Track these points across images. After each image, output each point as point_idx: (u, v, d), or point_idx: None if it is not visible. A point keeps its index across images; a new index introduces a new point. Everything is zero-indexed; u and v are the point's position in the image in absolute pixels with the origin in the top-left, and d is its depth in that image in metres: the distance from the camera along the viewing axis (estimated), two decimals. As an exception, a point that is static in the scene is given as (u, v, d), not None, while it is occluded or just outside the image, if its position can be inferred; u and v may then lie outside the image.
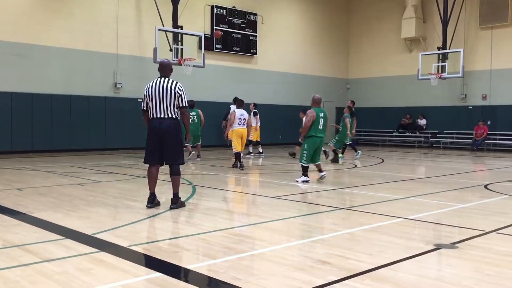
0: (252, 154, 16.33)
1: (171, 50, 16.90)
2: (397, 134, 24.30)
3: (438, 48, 21.39)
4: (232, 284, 3.58)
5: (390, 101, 24.73)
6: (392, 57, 24.67)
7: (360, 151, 15.92)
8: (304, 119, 15.29)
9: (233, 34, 20.92)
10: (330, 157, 14.62)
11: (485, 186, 9.39)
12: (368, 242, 4.90)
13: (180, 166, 6.72)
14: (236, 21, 21.05)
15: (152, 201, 6.69)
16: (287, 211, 6.77)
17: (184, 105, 6.61)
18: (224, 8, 20.63)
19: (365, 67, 25.82)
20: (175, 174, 6.64)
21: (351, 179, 10.79)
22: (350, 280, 3.70)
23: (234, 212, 7.09)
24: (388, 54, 24.79)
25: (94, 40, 17.00)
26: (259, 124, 16.50)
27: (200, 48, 18.39)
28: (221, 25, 20.48)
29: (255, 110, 16.38)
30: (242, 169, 11.94)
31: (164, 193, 7.82)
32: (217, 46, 20.29)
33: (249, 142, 14.13)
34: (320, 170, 9.81)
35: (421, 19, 23.31)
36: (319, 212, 6.77)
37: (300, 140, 15.28)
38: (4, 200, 7.21)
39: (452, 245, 4.76)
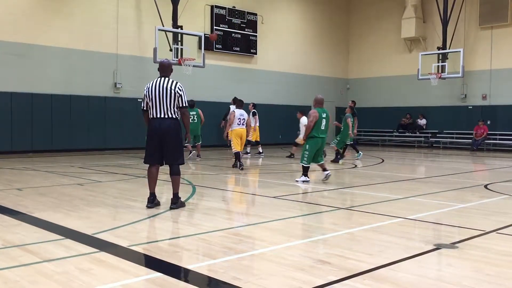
0: (249, 154, 16.34)
1: (171, 50, 16.90)
2: (397, 134, 24.30)
3: (438, 48, 21.39)
4: (232, 284, 3.58)
5: (390, 101, 24.73)
6: (392, 57, 24.67)
7: (361, 152, 15.88)
8: (301, 119, 15.42)
9: (233, 34, 20.91)
10: (339, 159, 14.49)
11: (485, 186, 9.39)
12: (368, 242, 4.90)
13: (180, 166, 6.73)
14: (236, 21, 21.04)
15: (152, 201, 6.69)
16: (287, 211, 6.77)
17: (184, 105, 6.61)
18: (224, 8, 20.63)
19: (365, 67, 25.82)
20: (175, 174, 6.64)
21: (351, 179, 10.79)
22: (350, 280, 3.70)
23: (234, 212, 7.10)
24: (388, 54, 24.79)
25: (94, 40, 17.00)
26: (257, 124, 16.52)
27: (200, 48, 18.38)
28: (221, 25, 20.48)
29: (254, 110, 16.41)
30: (242, 169, 11.96)
31: (164, 193, 7.82)
32: (217, 46, 20.29)
33: (247, 142, 14.15)
34: (324, 169, 9.70)
35: (421, 19, 23.31)
36: (319, 212, 6.77)
37: (300, 140, 15.35)
38: (4, 200, 7.21)
39: (452, 245, 4.76)
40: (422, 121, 23.51)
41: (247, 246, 4.79)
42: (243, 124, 12.31)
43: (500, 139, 21.17)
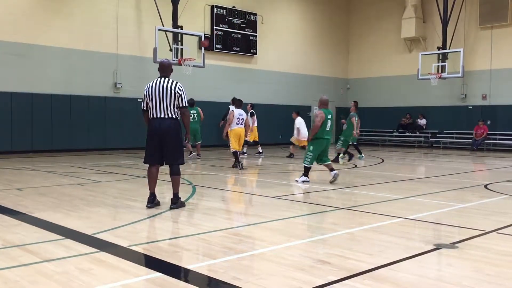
0: (246, 154, 16.35)
1: (171, 50, 16.90)
2: (397, 134, 24.30)
3: (438, 48, 21.39)
4: (232, 284, 3.58)
5: (390, 101, 24.73)
6: (392, 57, 24.67)
7: (363, 155, 15.74)
8: (296, 120, 15.43)
9: (233, 34, 20.91)
10: (346, 159, 14.44)
11: (485, 186, 9.39)
12: (368, 242, 4.90)
13: (180, 166, 6.73)
14: (236, 21, 21.04)
15: (152, 201, 6.69)
16: (287, 211, 6.77)
17: (184, 105, 6.61)
18: (224, 8, 20.63)
19: (365, 67, 25.81)
20: (175, 174, 6.64)
21: (351, 179, 10.79)
22: (350, 280, 3.70)
23: (234, 212, 7.10)
24: (388, 54, 24.79)
25: (94, 40, 17.00)
26: (255, 125, 16.55)
27: (200, 48, 18.37)
28: (221, 25, 20.47)
29: (252, 110, 16.44)
30: (242, 168, 11.97)
31: (164, 193, 7.82)
32: (217, 46, 20.29)
33: (245, 143, 14.19)
34: (331, 169, 9.45)
35: (421, 19, 23.31)
36: (319, 212, 6.77)
37: (295, 139, 15.36)
38: (4, 200, 7.21)
39: (452, 245, 4.76)
40: (422, 121, 23.51)
41: (247, 246, 4.79)
42: (242, 124, 12.32)
43: (500, 139, 21.17)
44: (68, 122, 16.39)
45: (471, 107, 22.18)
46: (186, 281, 3.82)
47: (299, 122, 15.37)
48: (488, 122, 21.32)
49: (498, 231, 5.45)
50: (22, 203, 6.97)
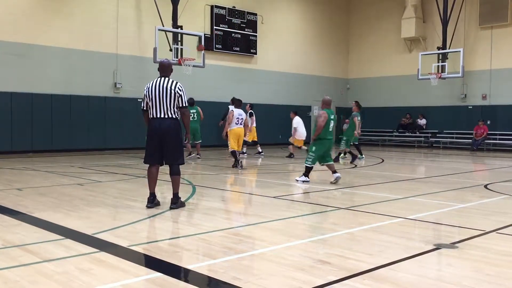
0: (246, 154, 16.35)
1: (171, 50, 16.90)
2: (397, 134, 24.30)
3: (438, 48, 21.39)
4: (232, 284, 3.58)
5: (390, 101, 24.73)
6: (392, 57, 24.67)
7: (363, 156, 15.72)
8: (294, 120, 15.43)
9: (233, 34, 20.91)
10: (348, 160, 14.47)
11: (485, 186, 9.39)
12: (368, 242, 4.90)
13: (180, 166, 6.72)
14: (236, 21, 21.04)
15: (152, 201, 6.69)
16: (287, 211, 6.77)
17: (184, 105, 6.61)
18: (224, 8, 20.63)
19: (365, 67, 25.81)
20: (175, 174, 6.64)
21: (351, 179, 10.79)
22: (350, 280, 3.70)
23: (234, 212, 7.10)
24: (388, 54, 24.79)
25: (94, 40, 16.99)
26: (254, 125, 16.57)
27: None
28: (221, 25, 20.47)
29: (251, 111, 16.45)
30: (242, 168, 11.97)
31: (164, 193, 7.82)
32: (217, 46, 20.29)
33: (244, 143, 14.20)
34: (334, 171, 9.39)
35: (421, 19, 23.31)
36: (319, 212, 6.77)
37: (293, 139, 15.36)
38: (4, 200, 7.21)
39: (452, 245, 4.76)
40: (422, 121, 23.51)
41: (247, 246, 4.79)
42: (241, 124, 12.33)
43: (500, 139, 21.16)
44: (68, 122, 16.38)
45: (471, 107, 22.19)
46: (186, 281, 3.82)
47: (297, 122, 15.40)
48: (488, 122, 21.32)
49: (498, 231, 5.45)
50: (22, 203, 6.97)
